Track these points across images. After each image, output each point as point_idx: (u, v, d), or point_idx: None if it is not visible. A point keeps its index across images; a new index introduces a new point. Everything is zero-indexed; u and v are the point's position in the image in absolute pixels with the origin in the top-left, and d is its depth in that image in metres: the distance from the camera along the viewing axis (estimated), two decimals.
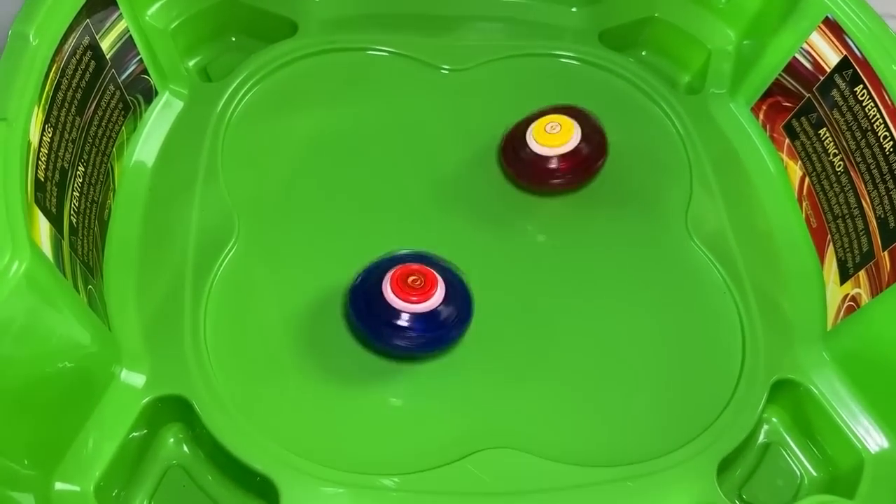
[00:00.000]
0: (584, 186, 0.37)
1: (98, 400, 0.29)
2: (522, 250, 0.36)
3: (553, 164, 0.35)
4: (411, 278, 0.30)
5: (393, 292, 0.30)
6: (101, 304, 0.30)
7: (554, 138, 0.35)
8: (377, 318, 0.30)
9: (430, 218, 0.36)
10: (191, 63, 0.41)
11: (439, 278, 0.31)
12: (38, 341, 0.26)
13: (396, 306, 0.30)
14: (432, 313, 0.30)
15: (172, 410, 0.30)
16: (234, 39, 0.42)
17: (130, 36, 0.34)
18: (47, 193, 0.28)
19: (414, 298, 0.30)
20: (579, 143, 0.35)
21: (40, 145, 0.28)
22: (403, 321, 0.30)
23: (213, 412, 0.29)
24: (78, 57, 0.31)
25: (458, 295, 0.31)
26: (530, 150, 0.35)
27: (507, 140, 0.37)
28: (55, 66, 0.29)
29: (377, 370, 0.32)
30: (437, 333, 0.31)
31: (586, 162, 0.36)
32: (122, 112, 0.34)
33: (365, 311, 0.31)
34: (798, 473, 0.33)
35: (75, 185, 0.30)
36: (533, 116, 0.37)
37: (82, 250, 0.30)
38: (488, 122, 0.39)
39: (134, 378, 0.30)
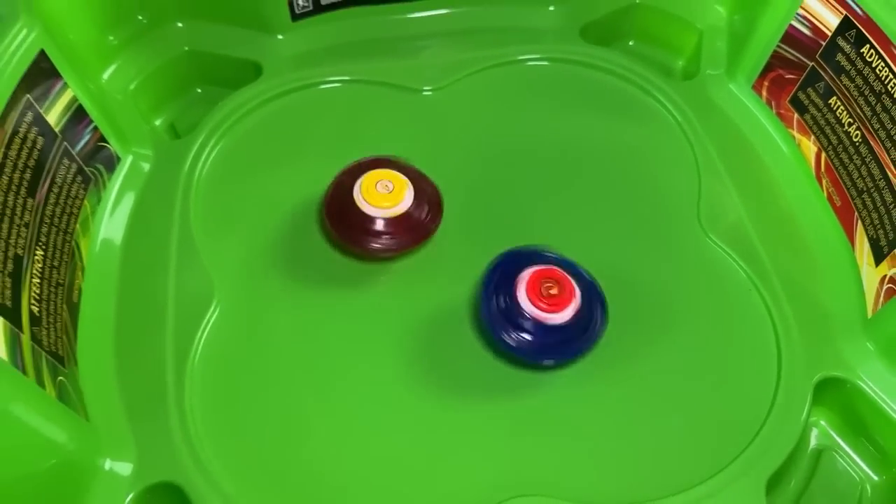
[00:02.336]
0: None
1: (83, 497, 0.27)
2: None
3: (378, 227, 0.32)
4: (546, 284, 0.30)
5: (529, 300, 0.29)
6: (77, 394, 0.28)
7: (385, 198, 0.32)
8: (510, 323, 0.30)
9: (434, 267, 0.33)
10: (157, 122, 0.39)
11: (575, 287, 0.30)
12: (3, 448, 0.24)
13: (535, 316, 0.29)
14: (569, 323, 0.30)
15: (165, 499, 0.28)
16: (199, 91, 0.41)
17: (80, 104, 0.32)
18: (1, 284, 0.26)
19: (545, 306, 0.29)
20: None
21: None
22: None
23: (207, 497, 0.27)
24: (22, 135, 0.29)
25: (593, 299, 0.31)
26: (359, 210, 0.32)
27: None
28: None
29: (387, 428, 0.29)
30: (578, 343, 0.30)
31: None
32: (83, 185, 0.32)
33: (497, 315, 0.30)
34: (857, 478, 0.30)
35: (34, 271, 0.28)
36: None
37: (48, 340, 0.28)
38: (473, 138, 0.37)
39: (120, 468, 0.28)
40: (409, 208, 0.32)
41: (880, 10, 0.31)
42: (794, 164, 0.36)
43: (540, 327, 0.29)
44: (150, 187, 0.35)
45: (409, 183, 0.33)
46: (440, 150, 0.37)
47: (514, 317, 0.29)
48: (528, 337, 0.29)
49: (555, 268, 0.30)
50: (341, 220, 0.32)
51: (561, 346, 0.29)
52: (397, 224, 0.32)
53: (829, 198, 0.34)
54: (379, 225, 0.32)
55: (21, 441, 0.25)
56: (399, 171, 0.33)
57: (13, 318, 0.26)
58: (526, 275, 0.30)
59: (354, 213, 0.32)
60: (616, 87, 0.39)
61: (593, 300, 0.30)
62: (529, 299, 0.29)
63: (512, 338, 0.29)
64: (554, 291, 0.29)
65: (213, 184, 0.35)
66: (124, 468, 0.28)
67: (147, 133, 0.37)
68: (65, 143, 0.31)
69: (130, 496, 0.27)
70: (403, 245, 0.32)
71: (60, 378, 0.28)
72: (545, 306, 0.29)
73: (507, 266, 0.31)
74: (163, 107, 0.39)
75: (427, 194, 0.33)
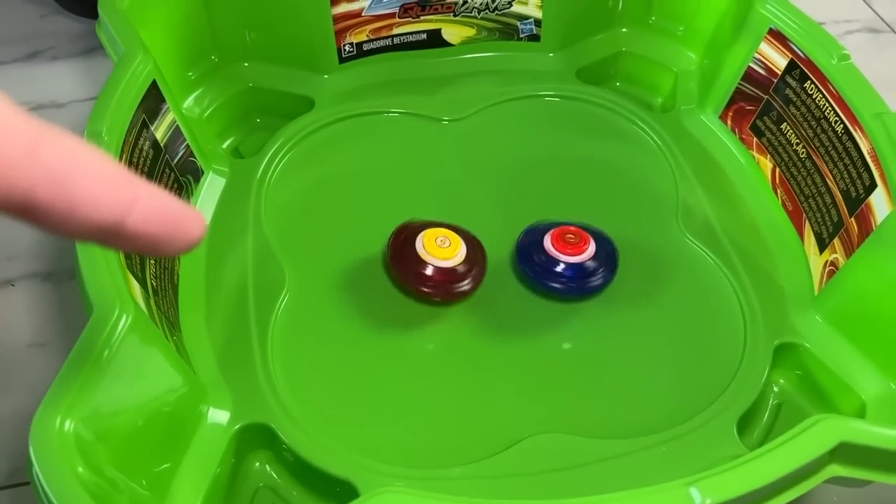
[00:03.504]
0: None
1: (191, 438, 0.32)
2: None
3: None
4: (568, 236, 0.38)
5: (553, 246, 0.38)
6: (184, 353, 0.35)
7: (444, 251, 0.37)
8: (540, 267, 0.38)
9: None
10: (224, 145, 0.46)
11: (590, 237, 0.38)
12: (145, 386, 0.30)
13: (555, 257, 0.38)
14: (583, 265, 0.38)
15: (256, 438, 0.34)
16: (259, 120, 0.47)
17: (178, 125, 0.40)
18: (133, 261, 0.33)
19: (570, 251, 0.38)
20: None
21: None
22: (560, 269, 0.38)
23: (293, 432, 0.33)
24: (140, 147, 0.36)
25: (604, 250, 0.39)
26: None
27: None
28: (123, 156, 0.34)
29: (428, 379, 0.36)
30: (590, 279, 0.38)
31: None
32: (178, 191, 0.39)
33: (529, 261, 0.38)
34: None
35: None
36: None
37: (164, 307, 0.34)
38: (488, 159, 0.45)
39: (219, 415, 0.33)
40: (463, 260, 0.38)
41: (818, 54, 0.39)
42: (754, 178, 0.43)
43: (570, 267, 0.38)
44: (228, 194, 0.41)
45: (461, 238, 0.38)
46: (458, 168, 0.44)
47: (551, 266, 0.38)
48: (564, 279, 0.38)
49: (569, 226, 0.39)
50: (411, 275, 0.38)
51: (589, 277, 0.38)
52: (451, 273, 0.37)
53: (783, 204, 0.42)
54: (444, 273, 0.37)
55: (155, 381, 0.31)
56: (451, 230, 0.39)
57: (143, 285, 0.33)
58: (549, 234, 0.38)
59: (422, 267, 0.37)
60: (607, 118, 0.47)
61: (604, 242, 0.39)
62: (558, 249, 0.38)
63: (555, 283, 0.38)
64: (573, 239, 0.38)
65: (279, 191, 0.42)
66: (223, 415, 0.33)
67: (222, 152, 0.44)
68: (167, 155, 0.38)
69: (231, 433, 0.33)
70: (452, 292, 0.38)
71: (175, 338, 0.34)
72: (571, 251, 0.38)
73: (533, 234, 0.39)
74: (229, 133, 0.46)
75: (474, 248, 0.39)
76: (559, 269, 0.38)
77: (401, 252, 0.38)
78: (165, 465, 0.32)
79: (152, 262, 0.35)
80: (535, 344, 0.37)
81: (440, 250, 0.37)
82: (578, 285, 0.38)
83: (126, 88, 0.36)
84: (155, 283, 0.34)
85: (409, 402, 0.35)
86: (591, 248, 0.38)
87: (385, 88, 0.47)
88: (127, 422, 0.29)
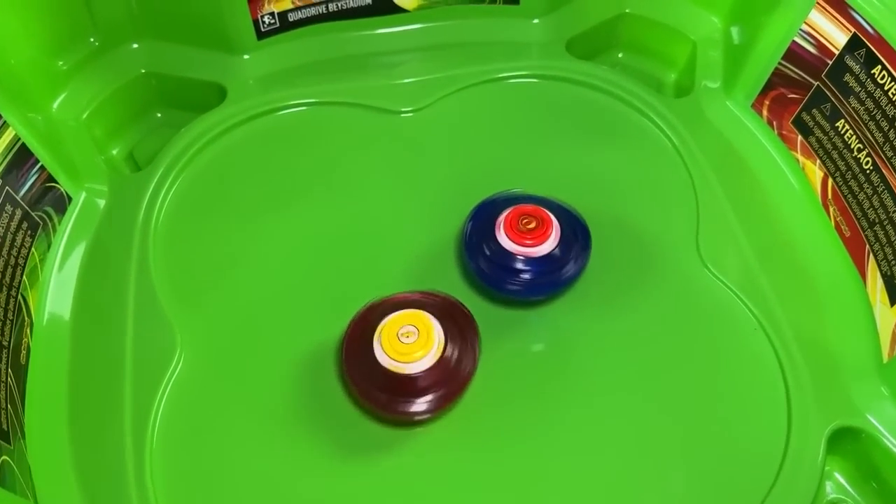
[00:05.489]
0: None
1: None
2: (519, 313, 0.31)
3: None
4: (524, 220, 0.31)
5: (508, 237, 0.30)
6: (23, 471, 0.26)
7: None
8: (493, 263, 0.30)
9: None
10: (114, 151, 0.38)
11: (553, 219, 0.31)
12: None
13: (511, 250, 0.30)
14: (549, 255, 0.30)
15: None
16: (159, 115, 0.39)
17: (23, 144, 0.30)
18: None
19: (529, 242, 0.30)
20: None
21: None
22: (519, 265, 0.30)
23: None
24: None
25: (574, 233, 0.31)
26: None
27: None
28: None
29: (368, 494, 0.27)
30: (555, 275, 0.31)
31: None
32: (29, 232, 0.30)
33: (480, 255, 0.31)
34: None
35: None
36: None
37: None
38: (455, 162, 0.36)
39: None
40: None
41: (893, 28, 0.29)
42: (799, 189, 0.35)
43: (532, 262, 0.30)
44: (104, 228, 0.33)
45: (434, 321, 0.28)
46: (424, 178, 0.35)
47: (507, 262, 0.30)
48: (526, 276, 0.30)
49: (526, 205, 0.31)
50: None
51: (555, 274, 0.30)
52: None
53: (837, 227, 0.33)
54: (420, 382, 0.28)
55: None
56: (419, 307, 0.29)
57: None
58: (502, 219, 0.31)
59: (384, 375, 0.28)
60: (605, 104, 0.38)
61: (572, 223, 0.32)
62: (511, 239, 0.30)
63: (513, 283, 0.30)
64: (532, 225, 0.30)
65: (173, 223, 0.33)
66: None
67: (101, 166, 0.35)
68: (6, 188, 0.29)
69: None
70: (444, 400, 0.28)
71: (4, 457, 0.25)
72: (529, 241, 0.30)
73: (483, 217, 0.31)
74: (120, 134, 0.38)
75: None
76: (519, 265, 0.30)
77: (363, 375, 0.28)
78: None
79: None
80: (507, 440, 0.28)
81: (406, 348, 0.27)
82: (546, 281, 0.31)
83: None
84: None
85: None
86: (555, 233, 0.31)
87: (319, 71, 0.39)
88: None
